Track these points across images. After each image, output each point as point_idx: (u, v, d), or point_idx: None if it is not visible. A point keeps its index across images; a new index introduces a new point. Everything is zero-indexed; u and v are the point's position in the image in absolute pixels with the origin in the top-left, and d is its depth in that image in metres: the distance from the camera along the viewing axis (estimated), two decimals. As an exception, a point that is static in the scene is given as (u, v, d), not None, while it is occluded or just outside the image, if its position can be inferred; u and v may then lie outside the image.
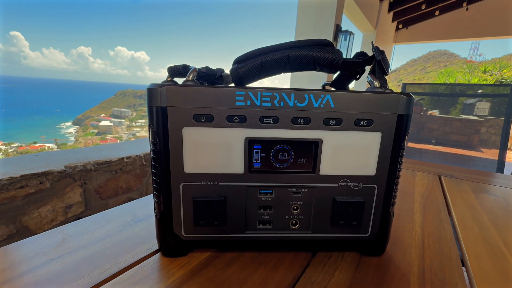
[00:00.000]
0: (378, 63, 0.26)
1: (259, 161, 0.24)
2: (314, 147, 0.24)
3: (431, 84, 1.53)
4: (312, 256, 0.27)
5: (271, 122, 0.23)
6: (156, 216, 0.26)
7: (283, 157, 0.24)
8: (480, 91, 1.53)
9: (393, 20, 5.17)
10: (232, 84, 0.30)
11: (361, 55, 0.29)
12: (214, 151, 0.24)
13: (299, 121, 0.23)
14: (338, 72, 0.31)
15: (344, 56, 0.29)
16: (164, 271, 0.24)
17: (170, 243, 0.26)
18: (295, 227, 0.27)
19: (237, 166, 0.24)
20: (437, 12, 5.12)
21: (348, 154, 0.25)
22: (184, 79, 0.25)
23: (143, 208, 0.37)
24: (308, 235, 0.27)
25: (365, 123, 0.24)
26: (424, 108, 1.62)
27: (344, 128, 0.24)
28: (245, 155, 0.24)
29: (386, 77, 0.27)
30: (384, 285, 0.24)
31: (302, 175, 0.25)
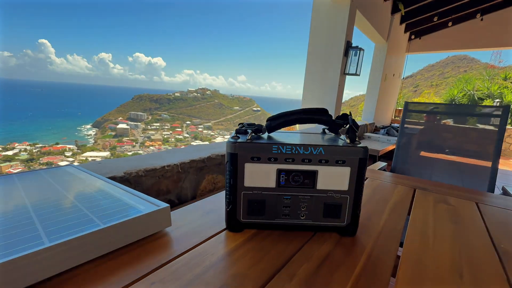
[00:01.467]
0: (350, 127, 0.47)
1: (283, 181, 0.45)
2: (313, 174, 0.45)
3: (432, 104, 1.66)
4: (313, 235, 0.48)
5: (290, 161, 0.44)
6: (226, 209, 0.47)
7: (296, 179, 0.45)
8: (481, 110, 1.54)
9: (405, 31, 5.27)
10: (266, 133, 0.51)
11: (341, 118, 0.50)
12: (260, 175, 0.45)
13: (305, 160, 0.44)
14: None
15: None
16: (230, 239, 0.45)
17: (233, 224, 0.47)
18: (303, 217, 0.47)
19: (271, 183, 0.45)
20: (450, 23, 5.17)
21: (332, 178, 0.45)
22: (247, 135, 0.46)
23: (207, 207, 0.58)
24: (310, 223, 0.47)
25: (341, 162, 0.44)
26: (438, 117, 1.62)
27: (330, 164, 0.44)
28: (276, 178, 0.45)
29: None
30: (352, 253, 0.44)
31: (306, 189, 0.46)
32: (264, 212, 0.46)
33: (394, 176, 0.90)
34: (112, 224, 0.39)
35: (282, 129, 0.54)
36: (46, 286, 0.33)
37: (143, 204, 0.48)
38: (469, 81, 9.22)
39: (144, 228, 0.43)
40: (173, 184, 1.27)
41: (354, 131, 0.46)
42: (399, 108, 6.22)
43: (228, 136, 0.47)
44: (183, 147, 1.58)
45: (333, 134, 0.55)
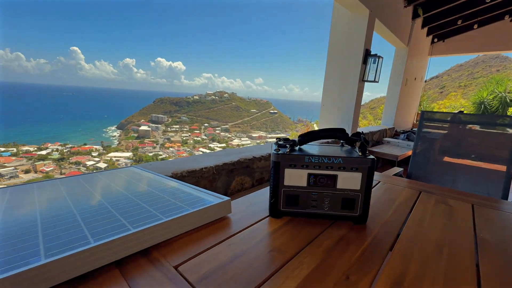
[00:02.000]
0: (361, 143, 0.63)
1: (312, 182, 0.63)
2: (334, 177, 0.62)
3: (448, 113, 1.72)
4: (333, 222, 0.65)
5: (317, 167, 0.62)
6: (270, 201, 0.65)
7: (322, 180, 0.62)
8: (504, 121, 1.45)
9: (428, 35, 5.21)
10: (298, 146, 0.69)
11: (356, 135, 0.67)
12: (295, 177, 0.63)
13: (328, 167, 0.62)
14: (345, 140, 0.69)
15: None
16: (273, 223, 0.64)
17: (275, 212, 0.65)
18: (326, 209, 0.64)
19: (304, 183, 0.63)
20: (475, 26, 5.04)
21: (348, 180, 0.62)
22: (287, 148, 0.64)
23: (249, 201, 0.77)
24: (331, 212, 0.64)
25: (355, 169, 0.61)
26: (460, 125, 1.58)
27: (346, 170, 0.61)
28: (307, 179, 0.63)
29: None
30: (361, 235, 0.60)
31: (329, 187, 0.63)
32: (297, 204, 0.64)
33: (404, 180, 1.04)
34: (196, 209, 0.59)
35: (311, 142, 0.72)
36: (160, 249, 0.53)
37: (210, 197, 0.67)
38: (500, 82, 8.64)
39: (216, 212, 0.62)
40: (209, 184, 1.48)
41: (365, 146, 0.63)
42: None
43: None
44: (218, 150, 1.78)
45: (349, 147, 0.72)
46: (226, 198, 0.65)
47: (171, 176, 1.28)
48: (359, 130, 3.27)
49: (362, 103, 3.33)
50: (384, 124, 4.87)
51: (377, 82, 3.08)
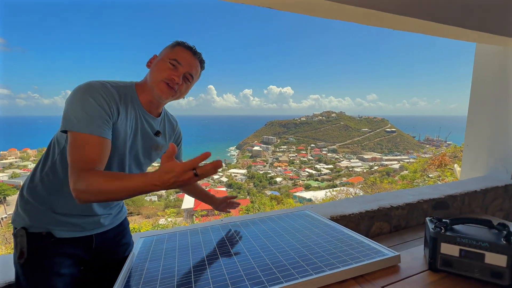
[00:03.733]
0: (508, 232, 0.91)
1: (463, 253, 0.96)
2: (482, 255, 0.92)
3: None
4: (484, 285, 0.94)
5: (467, 245, 0.94)
6: (430, 260, 1.02)
7: (471, 255, 0.94)
8: None
9: None
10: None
11: (501, 225, 0.94)
12: (449, 249, 0.98)
13: (476, 247, 0.93)
14: (493, 228, 0.97)
15: None
16: (431, 275, 1.00)
17: (434, 268, 1.02)
18: (477, 274, 0.94)
19: (456, 254, 0.97)
20: None
21: (494, 259, 0.91)
22: (441, 228, 1.01)
23: (410, 255, 1.15)
24: (481, 278, 0.94)
25: (500, 252, 0.90)
26: None
27: (493, 252, 0.91)
28: (459, 252, 0.96)
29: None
30: (509, 299, 0.87)
31: (478, 261, 0.93)
32: (451, 266, 0.98)
33: None
34: (369, 262, 1.05)
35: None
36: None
37: (383, 248, 1.11)
38: None
39: (385, 263, 1.06)
40: (355, 226, 1.91)
41: (510, 234, 0.90)
42: None
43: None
44: (360, 195, 2.17)
45: (497, 230, 0.98)
46: (395, 253, 1.07)
47: (330, 219, 1.81)
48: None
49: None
50: None
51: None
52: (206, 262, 0.99)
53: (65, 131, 0.80)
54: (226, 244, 1.14)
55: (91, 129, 0.77)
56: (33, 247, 0.86)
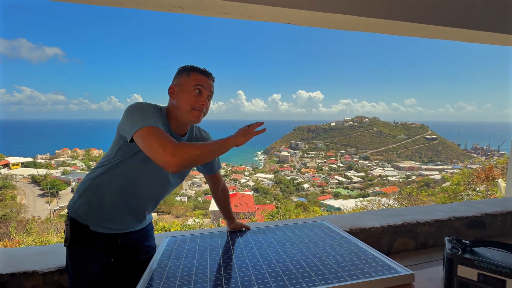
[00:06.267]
0: (532, 261, 0.86)
1: (481, 278, 0.92)
2: (503, 281, 0.88)
3: None
4: (504, 314, 0.89)
5: (486, 270, 0.90)
6: (445, 282, 1.00)
7: (491, 281, 0.90)
8: None
9: None
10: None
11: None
12: (466, 272, 0.94)
13: (497, 273, 0.89)
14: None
15: None
16: None
17: (449, 291, 0.99)
18: None
19: (474, 278, 0.93)
20: None
21: None
22: (459, 250, 0.98)
23: (423, 276, 1.12)
24: None
25: (524, 280, 0.85)
26: None
27: (515, 279, 0.86)
28: (477, 276, 0.93)
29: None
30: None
31: (499, 286, 0.89)
32: (469, 291, 0.94)
33: None
34: (381, 277, 1.04)
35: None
36: (378, 290, 1.02)
37: (396, 266, 1.10)
38: None
39: (404, 279, 1.05)
40: (376, 241, 1.87)
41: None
42: None
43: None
44: (382, 208, 2.11)
45: (523, 257, 0.93)
46: (409, 272, 1.06)
47: (349, 232, 1.79)
48: None
49: None
50: None
51: None
52: (221, 264, 1.07)
53: (132, 140, 0.92)
54: (242, 249, 1.23)
55: (158, 125, 0.92)
56: (75, 236, 1.03)
